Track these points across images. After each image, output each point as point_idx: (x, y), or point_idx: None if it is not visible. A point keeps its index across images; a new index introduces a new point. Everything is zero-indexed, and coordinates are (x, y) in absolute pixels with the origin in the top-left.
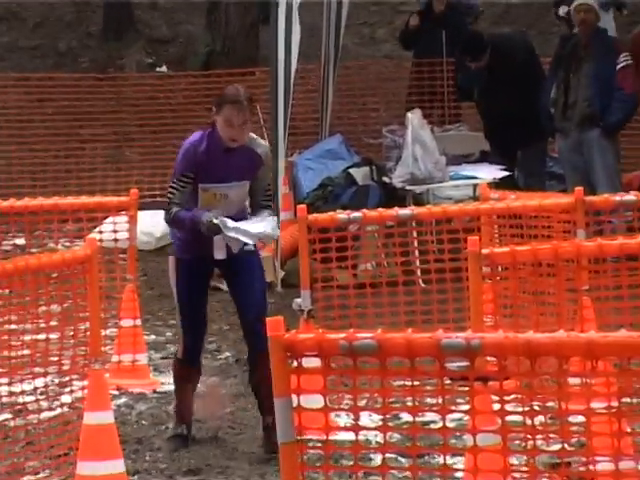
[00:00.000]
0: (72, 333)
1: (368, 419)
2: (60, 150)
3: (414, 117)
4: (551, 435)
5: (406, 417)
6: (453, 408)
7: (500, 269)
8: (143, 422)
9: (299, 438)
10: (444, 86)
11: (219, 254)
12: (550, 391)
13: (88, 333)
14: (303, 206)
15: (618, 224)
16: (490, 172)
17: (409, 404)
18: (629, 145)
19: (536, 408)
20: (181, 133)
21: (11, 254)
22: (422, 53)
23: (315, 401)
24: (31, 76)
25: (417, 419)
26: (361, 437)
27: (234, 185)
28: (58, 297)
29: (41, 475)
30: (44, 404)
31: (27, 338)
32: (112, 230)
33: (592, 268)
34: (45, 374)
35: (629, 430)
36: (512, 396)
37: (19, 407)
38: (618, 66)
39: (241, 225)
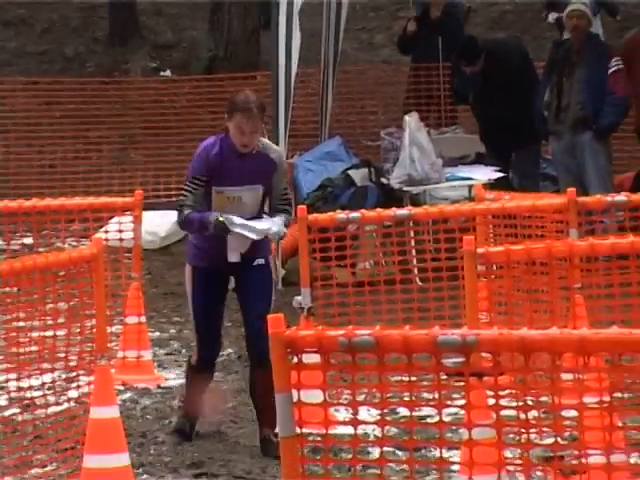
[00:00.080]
0: (79, 330)
1: (366, 414)
2: (67, 152)
3: (411, 120)
4: (544, 429)
5: (403, 411)
6: (449, 403)
7: (495, 268)
8: (147, 416)
9: (299, 432)
10: (440, 90)
11: (233, 257)
12: (543, 386)
13: (94, 330)
14: (303, 207)
15: (610, 224)
16: (485, 173)
17: (406, 399)
18: (620, 147)
19: (530, 403)
20: (185, 135)
21: (19, 253)
22: (419, 58)
23: (315, 396)
24: (39, 80)
25: (414, 413)
26: (360, 431)
27: (247, 189)
28: (65, 295)
29: (48, 468)
30: (51, 399)
31: (35, 335)
32: (117, 230)
33: (584, 267)
34: (52, 370)
35: (620, 424)
36: (506, 391)
37: (27, 402)
38: (610, 70)
39: (248, 222)
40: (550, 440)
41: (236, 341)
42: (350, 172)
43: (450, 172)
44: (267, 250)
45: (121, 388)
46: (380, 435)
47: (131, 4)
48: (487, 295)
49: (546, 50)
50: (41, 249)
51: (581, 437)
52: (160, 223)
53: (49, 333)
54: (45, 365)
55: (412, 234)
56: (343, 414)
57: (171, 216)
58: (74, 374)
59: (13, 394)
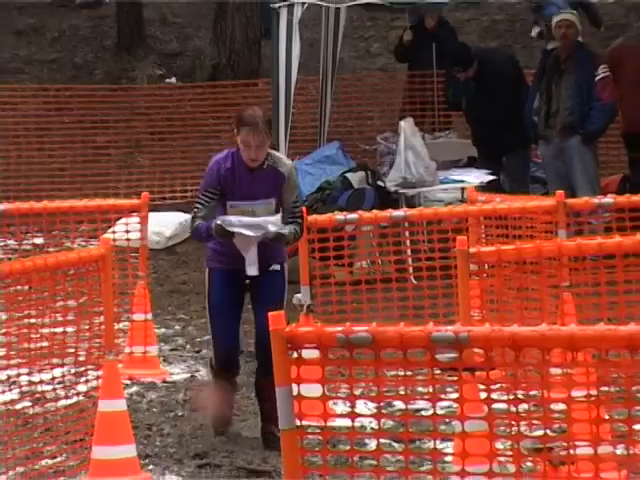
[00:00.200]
0: (87, 327)
1: (363, 407)
2: (76, 156)
3: (406, 125)
4: (534, 422)
5: (399, 405)
6: (443, 396)
7: (487, 267)
8: (153, 409)
9: (299, 424)
10: (434, 96)
11: (251, 270)
12: (533, 381)
13: (102, 326)
14: (303, 208)
15: (597, 225)
16: (477, 176)
17: (402, 393)
18: (607, 151)
19: (520, 396)
20: (189, 140)
21: (30, 253)
22: (415, 66)
23: (314, 390)
24: (49, 87)
25: (409, 407)
26: (357, 423)
27: (261, 203)
28: (74, 293)
29: (58, 459)
30: (61, 393)
31: (45, 331)
32: (125, 230)
33: (572, 266)
34: (62, 365)
35: (607, 417)
36: (498, 385)
37: (38, 395)
38: (597, 78)
39: (245, 219)
40: (540, 432)
41: None
42: (348, 175)
43: (443, 175)
44: (283, 256)
45: (128, 382)
46: (376, 427)
47: (138, 14)
48: (479, 293)
49: (535, 58)
50: (51, 249)
51: (569, 429)
52: (166, 224)
53: (59, 329)
54: (55, 360)
55: (407, 234)
56: (341, 407)
57: (176, 217)
58: (83, 369)
59: (24, 388)
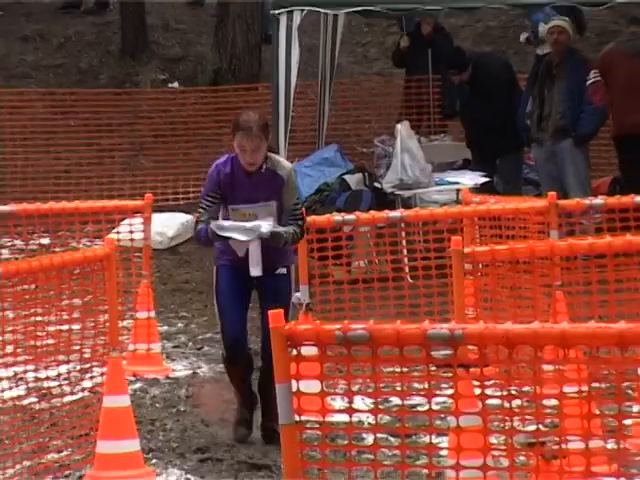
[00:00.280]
0: (92, 324)
1: (361, 402)
2: (82, 158)
3: (403, 128)
4: (527, 417)
5: (395, 400)
6: (438, 392)
7: (481, 266)
8: (157, 405)
9: (298, 420)
10: (430, 100)
11: (255, 271)
12: (526, 377)
13: (107, 324)
14: (303, 210)
15: (588, 225)
16: (472, 178)
17: (398, 389)
18: (598, 154)
19: (513, 392)
20: (191, 143)
21: (37, 253)
22: (411, 71)
23: (313, 386)
24: (55, 91)
25: (405, 402)
26: (355, 419)
27: (261, 205)
28: (79, 292)
29: (64, 453)
30: (67, 389)
31: (51, 329)
32: (128, 231)
33: (564, 265)
34: (68, 361)
35: (598, 412)
36: (491, 381)
37: (44, 391)
38: (588, 82)
39: (236, 223)
40: (532, 427)
41: None
42: (346, 177)
43: (439, 177)
44: (290, 260)
45: (132, 378)
46: (374, 422)
47: (141, 20)
48: (473, 292)
49: (528, 63)
50: (57, 249)
51: (561, 424)
52: (168, 224)
53: (65, 327)
54: (61, 357)
55: (403, 235)
56: (339, 403)
57: (179, 218)
58: (88, 365)
59: (31, 384)
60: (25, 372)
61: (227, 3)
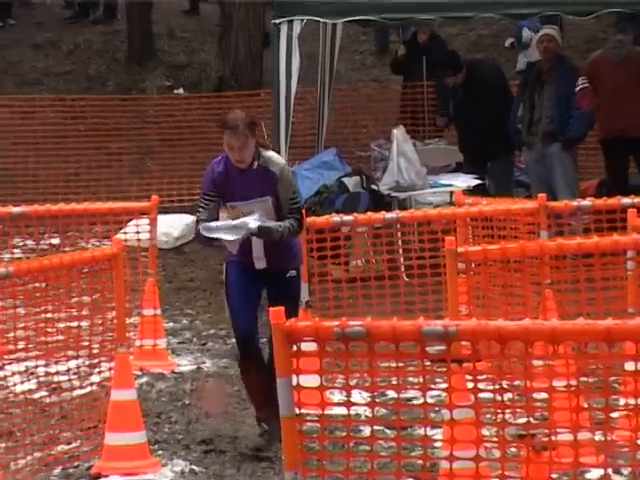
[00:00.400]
0: (100, 321)
1: (358, 396)
2: (90, 161)
3: (398, 133)
4: (518, 410)
5: (391, 394)
6: (433, 386)
7: (473, 265)
8: (162, 398)
9: (298, 412)
10: (425, 106)
11: (259, 264)
12: (517, 371)
13: (114, 321)
14: (301, 202)
15: (576, 226)
16: (465, 181)
17: (394, 383)
18: (586, 157)
19: (505, 386)
20: (196, 147)
21: (47, 252)
22: (408, 77)
23: (312, 380)
24: (65, 97)
25: (401, 396)
26: (352, 412)
27: (256, 201)
28: (88, 290)
29: (73, 445)
30: (76, 383)
31: (61, 325)
32: (135, 231)
33: (554, 264)
34: (77, 357)
35: (586, 405)
36: (484, 376)
37: (54, 385)
38: (577, 88)
39: (223, 223)
40: (523, 420)
41: None
42: (344, 179)
43: (433, 180)
44: (299, 260)
45: (139, 373)
46: (371, 415)
47: (148, 29)
48: (466, 290)
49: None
50: (67, 248)
51: (551, 417)
52: (174, 225)
53: (74, 324)
54: (70, 352)
55: (399, 235)
56: (337, 396)
57: (184, 219)
58: (96, 360)
59: (42, 378)
60: (36, 367)
61: (230, 13)
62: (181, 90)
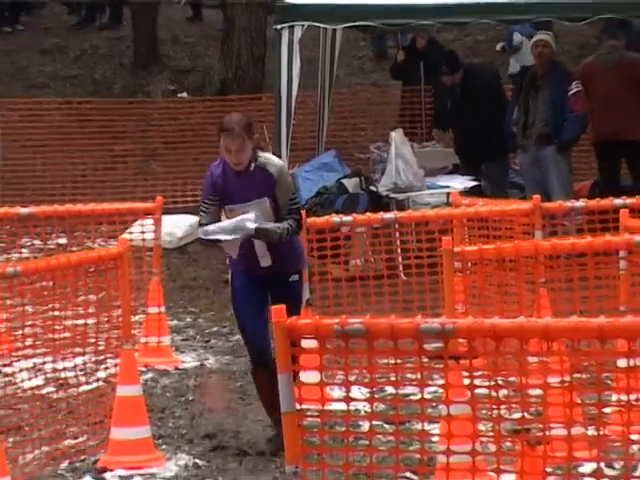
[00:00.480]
0: (106, 319)
1: (358, 392)
2: (97, 163)
3: (397, 135)
4: (513, 405)
5: (390, 390)
6: (430, 382)
7: (470, 264)
8: (167, 394)
9: (299, 408)
10: (422, 109)
11: (264, 262)
12: (512, 368)
13: (120, 319)
14: (302, 211)
15: (570, 226)
16: (461, 182)
17: (392, 379)
18: (579, 159)
19: (500, 382)
20: (199, 149)
21: (54, 252)
22: (406, 82)
23: (313, 376)
24: (72, 100)
25: (399, 392)
26: (352, 407)
27: (254, 203)
28: (94, 288)
29: (80, 439)
30: (82, 379)
31: (68, 323)
32: (140, 231)
33: (548, 264)
34: (83, 353)
35: (579, 401)
36: (480, 372)
37: (61, 381)
38: (570, 92)
39: (220, 224)
40: (518, 415)
41: None
42: (343, 181)
43: (430, 181)
44: (301, 264)
45: (143, 369)
46: (369, 410)
47: (153, 35)
48: (463, 288)
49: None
50: (74, 248)
51: (545, 412)
52: (178, 225)
53: (80, 321)
54: (77, 349)
55: (397, 235)
56: (337, 392)
57: (187, 219)
58: (102, 357)
59: (49, 375)
60: (44, 363)
61: (232, 19)
62: (185, 94)
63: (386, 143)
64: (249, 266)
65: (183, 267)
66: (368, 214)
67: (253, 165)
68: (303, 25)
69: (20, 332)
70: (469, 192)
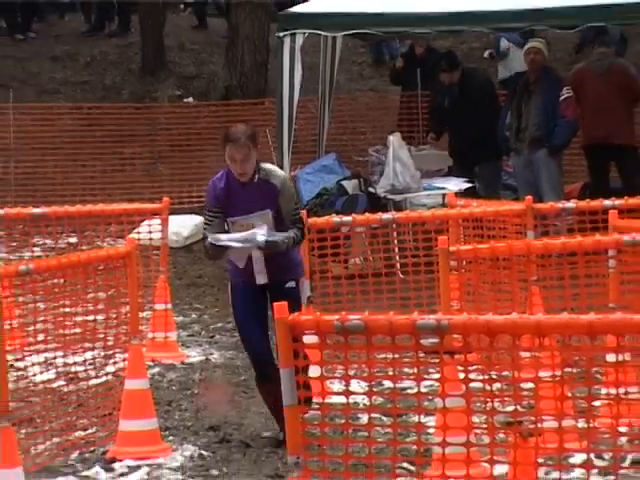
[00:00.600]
0: (115, 315)
1: (357, 386)
2: (106, 166)
3: (394, 139)
4: (506, 399)
5: (388, 384)
6: (426, 376)
7: (464, 263)
8: (173, 387)
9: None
10: (419, 114)
11: (260, 279)
12: (505, 362)
13: (128, 315)
14: (304, 212)
15: (561, 226)
16: (456, 184)
17: (390, 373)
18: (570, 162)
19: (494, 377)
20: (204, 152)
21: (65, 250)
22: (405, 87)
23: (313, 371)
24: (82, 105)
25: (397, 385)
26: (351, 400)
27: (257, 215)
28: (104, 286)
29: (89, 431)
30: (92, 373)
31: (78, 319)
32: (148, 231)
33: (540, 262)
34: (93, 348)
35: (570, 395)
36: (474, 367)
37: (72, 375)
38: (561, 97)
39: (232, 235)
40: (511, 408)
41: None
42: (343, 183)
43: (427, 183)
44: (298, 273)
45: (151, 364)
46: (368, 404)
47: (160, 42)
48: (458, 286)
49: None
50: (84, 247)
51: (537, 405)
52: (184, 225)
53: (90, 318)
54: (87, 344)
55: (395, 235)
56: (337, 386)
57: (193, 219)
58: (111, 352)
59: (60, 369)
60: (55, 358)
61: (236, 26)
62: (190, 99)
63: (384, 146)
64: (246, 278)
65: (189, 265)
66: (367, 214)
67: (257, 176)
68: (304, 33)
69: (32, 328)
70: (464, 193)
